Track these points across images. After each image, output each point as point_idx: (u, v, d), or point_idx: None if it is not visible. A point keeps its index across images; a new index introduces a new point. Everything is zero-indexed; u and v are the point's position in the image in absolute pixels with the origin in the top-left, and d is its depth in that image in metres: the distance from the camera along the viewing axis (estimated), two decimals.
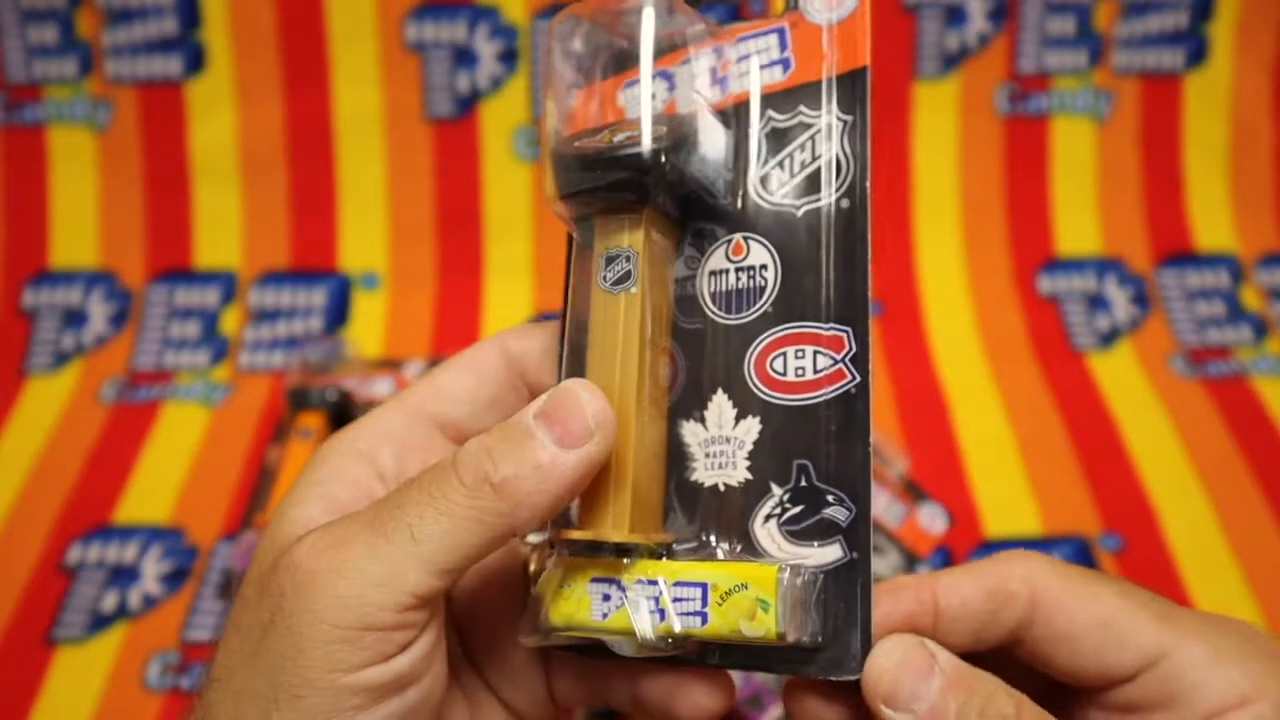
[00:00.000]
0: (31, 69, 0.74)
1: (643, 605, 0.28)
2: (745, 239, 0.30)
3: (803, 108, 0.30)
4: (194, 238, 0.74)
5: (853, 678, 0.27)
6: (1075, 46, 0.75)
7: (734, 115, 0.31)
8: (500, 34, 0.73)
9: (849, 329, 0.28)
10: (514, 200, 0.74)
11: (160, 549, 0.59)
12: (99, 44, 0.73)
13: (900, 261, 0.75)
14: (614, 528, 0.28)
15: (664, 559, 0.28)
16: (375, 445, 0.29)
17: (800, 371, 0.28)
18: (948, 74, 0.75)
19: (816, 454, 0.28)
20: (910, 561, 0.56)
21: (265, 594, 0.26)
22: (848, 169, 0.29)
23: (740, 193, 0.30)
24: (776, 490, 0.28)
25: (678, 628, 0.27)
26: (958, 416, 0.66)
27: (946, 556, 0.57)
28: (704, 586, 0.27)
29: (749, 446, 0.29)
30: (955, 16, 0.74)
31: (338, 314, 0.73)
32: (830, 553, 0.27)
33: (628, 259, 0.29)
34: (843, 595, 0.27)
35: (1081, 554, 0.57)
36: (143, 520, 0.60)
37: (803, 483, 0.28)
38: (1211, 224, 0.76)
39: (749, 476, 0.29)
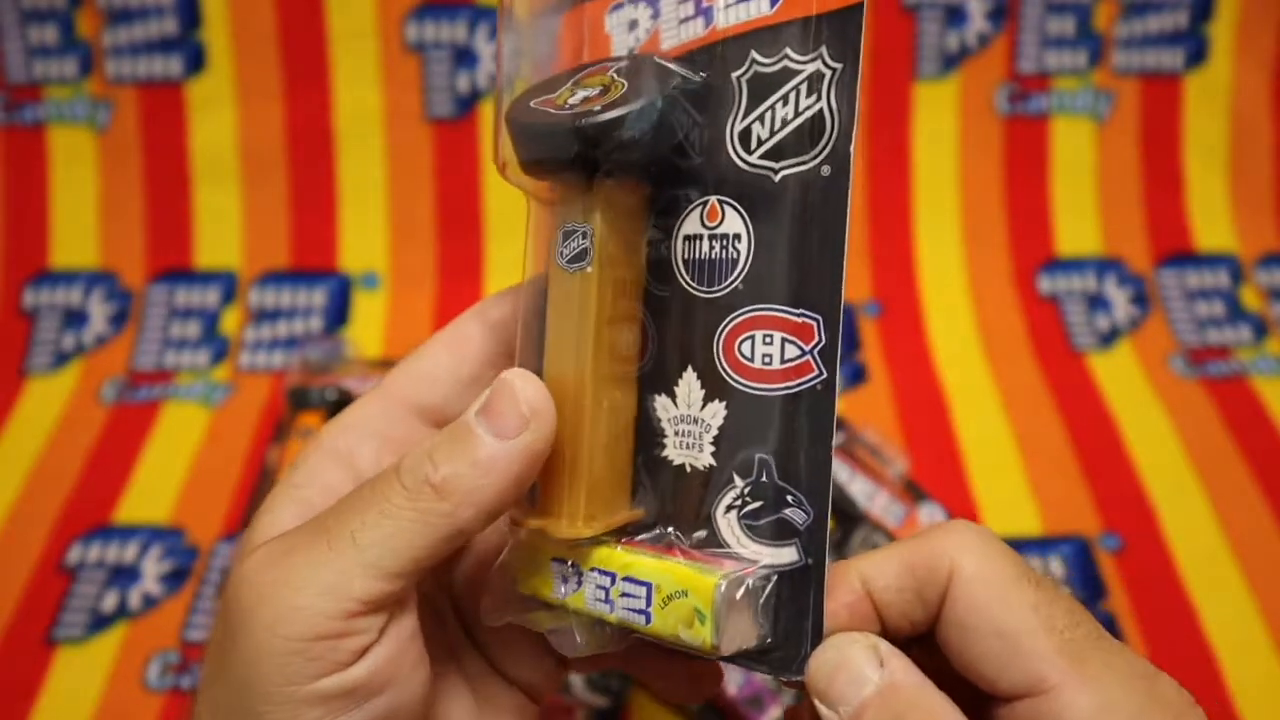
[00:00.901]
0: (32, 69, 0.74)
1: (594, 593, 0.27)
2: (720, 203, 0.27)
3: (789, 50, 0.26)
4: (194, 238, 0.74)
5: (799, 679, 0.26)
6: (1075, 47, 0.75)
7: (718, 55, 0.27)
8: None
9: (819, 318, 0.26)
10: (514, 200, 0.74)
11: (160, 549, 0.59)
12: (99, 44, 0.73)
13: (900, 261, 0.75)
14: (567, 520, 0.27)
15: (621, 542, 0.28)
16: (355, 443, 0.29)
17: (767, 359, 0.26)
18: (948, 74, 0.75)
19: (778, 451, 0.26)
20: None
21: (225, 609, 0.26)
22: (832, 128, 0.25)
23: (718, 149, 0.27)
24: (739, 482, 0.27)
25: (621, 619, 0.27)
26: (958, 416, 0.66)
27: None
28: (649, 586, 0.27)
29: (714, 431, 0.27)
30: (955, 16, 0.74)
31: (338, 314, 0.73)
32: (786, 554, 0.26)
33: (584, 235, 0.27)
34: (795, 599, 0.26)
35: (1081, 554, 0.57)
36: (143, 520, 0.60)
37: (763, 479, 0.27)
38: (1211, 224, 0.76)
39: (713, 463, 0.27)
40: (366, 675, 0.25)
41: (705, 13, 0.27)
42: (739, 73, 0.27)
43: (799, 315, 0.26)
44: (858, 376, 0.69)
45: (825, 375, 0.26)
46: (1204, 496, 0.60)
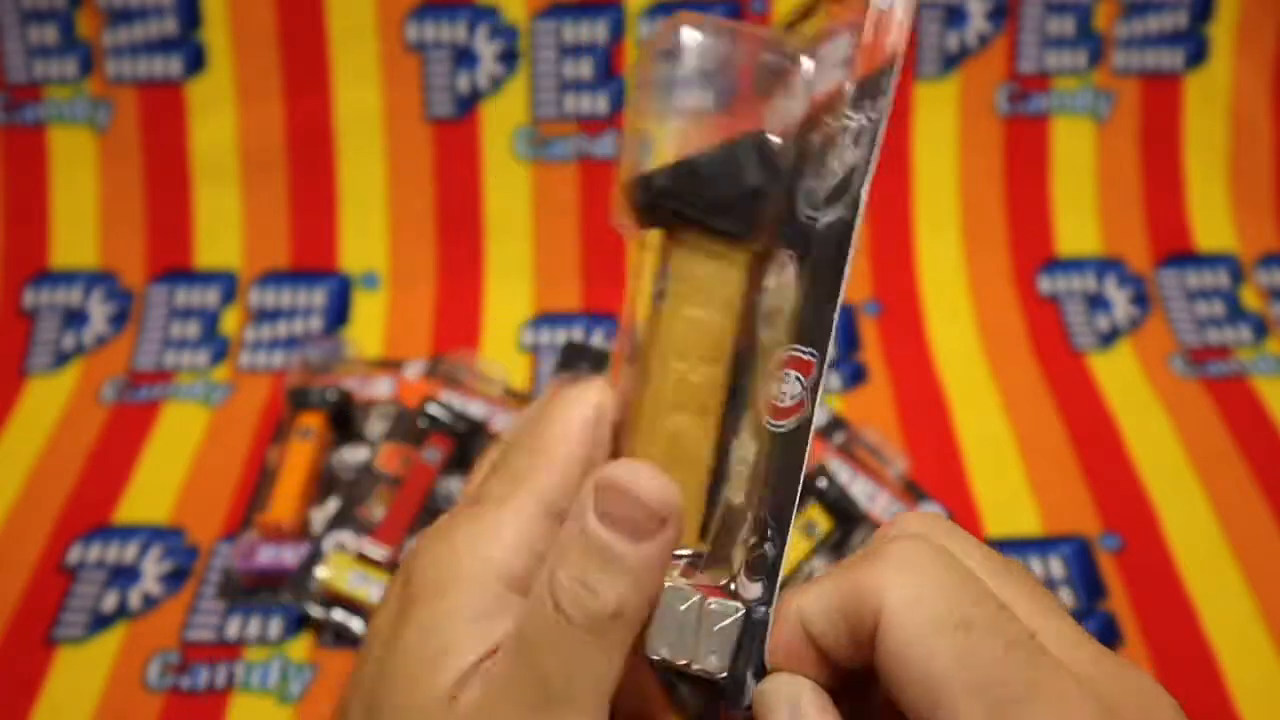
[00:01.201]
0: (32, 69, 0.74)
1: None
2: (788, 257, 0.29)
3: (846, 111, 0.28)
4: (194, 238, 0.74)
5: (745, 713, 0.27)
6: (1075, 47, 0.75)
7: (810, 124, 0.29)
8: (500, 34, 0.73)
9: (817, 355, 0.27)
10: (514, 200, 0.74)
11: (160, 549, 0.59)
12: (99, 44, 0.73)
13: (900, 261, 0.75)
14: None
15: (682, 570, 0.29)
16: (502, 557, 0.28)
17: (781, 397, 0.27)
18: (948, 74, 0.75)
19: (771, 484, 0.27)
20: None
21: (404, 577, 0.26)
22: (857, 177, 0.27)
23: (794, 207, 0.28)
24: (749, 516, 0.28)
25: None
26: (958, 416, 0.66)
27: None
28: None
29: (748, 468, 0.29)
30: (955, 16, 0.74)
31: (338, 314, 0.73)
32: (755, 590, 0.27)
33: (665, 274, 0.29)
34: (752, 633, 0.27)
35: (1081, 554, 0.57)
36: (143, 520, 0.60)
37: (761, 512, 0.27)
38: (1211, 224, 0.76)
39: (742, 499, 0.28)
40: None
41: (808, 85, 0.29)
42: (817, 139, 0.29)
43: (807, 352, 0.27)
44: (858, 376, 0.69)
45: (810, 413, 0.27)
46: (1204, 496, 0.60)
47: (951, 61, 0.75)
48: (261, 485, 0.61)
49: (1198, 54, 0.76)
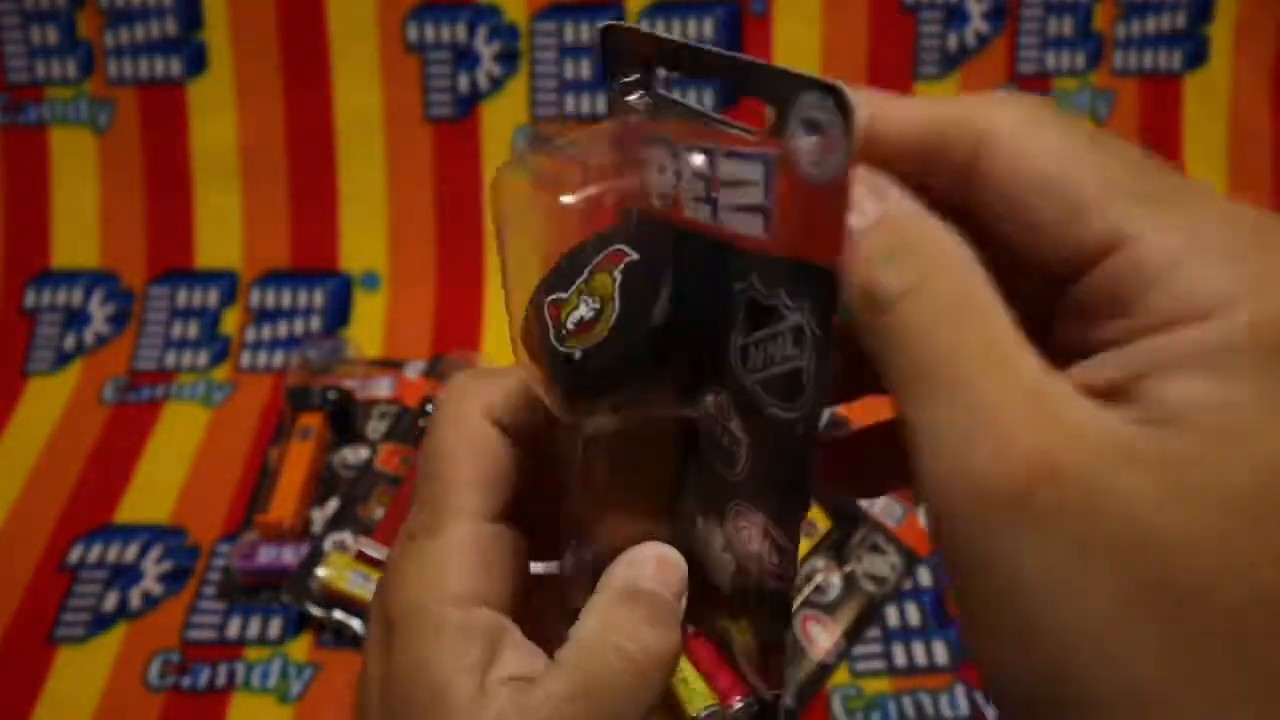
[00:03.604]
0: (33, 69, 0.74)
1: None
2: (729, 403, 0.26)
3: (782, 292, 0.24)
4: (194, 238, 0.75)
5: None
6: (1075, 47, 0.75)
7: (724, 253, 0.24)
8: (500, 34, 0.73)
9: (790, 545, 0.27)
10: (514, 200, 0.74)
11: (161, 549, 0.59)
12: (100, 44, 0.73)
13: None
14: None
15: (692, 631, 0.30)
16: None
17: (760, 555, 0.28)
18: (948, 74, 0.75)
19: (762, 623, 0.29)
20: (910, 562, 0.56)
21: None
22: (806, 391, 0.24)
23: (725, 352, 0.26)
24: (751, 633, 0.29)
25: None
26: None
27: None
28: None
29: (729, 573, 0.29)
30: (955, 16, 0.74)
31: (338, 314, 0.73)
32: (769, 693, 0.29)
33: (580, 439, 0.28)
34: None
35: None
36: (143, 520, 0.60)
37: (759, 632, 0.29)
38: None
39: (729, 593, 0.29)
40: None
41: (712, 202, 0.24)
42: (740, 286, 0.25)
43: (777, 536, 0.27)
44: None
45: (790, 592, 0.27)
46: None
47: (952, 61, 0.75)
48: (261, 485, 0.61)
49: (1197, 54, 0.76)
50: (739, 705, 0.29)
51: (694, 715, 0.29)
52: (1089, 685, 0.19)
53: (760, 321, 0.24)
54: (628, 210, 0.26)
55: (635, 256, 0.25)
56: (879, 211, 0.21)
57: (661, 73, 0.28)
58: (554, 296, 0.26)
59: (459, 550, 0.28)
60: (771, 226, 0.22)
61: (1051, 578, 0.18)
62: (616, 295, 0.25)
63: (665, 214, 0.24)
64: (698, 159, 0.23)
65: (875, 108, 0.22)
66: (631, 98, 0.27)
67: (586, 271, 0.26)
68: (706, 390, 0.27)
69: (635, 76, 0.27)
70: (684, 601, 0.29)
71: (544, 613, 0.30)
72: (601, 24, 0.27)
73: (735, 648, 0.29)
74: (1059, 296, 0.21)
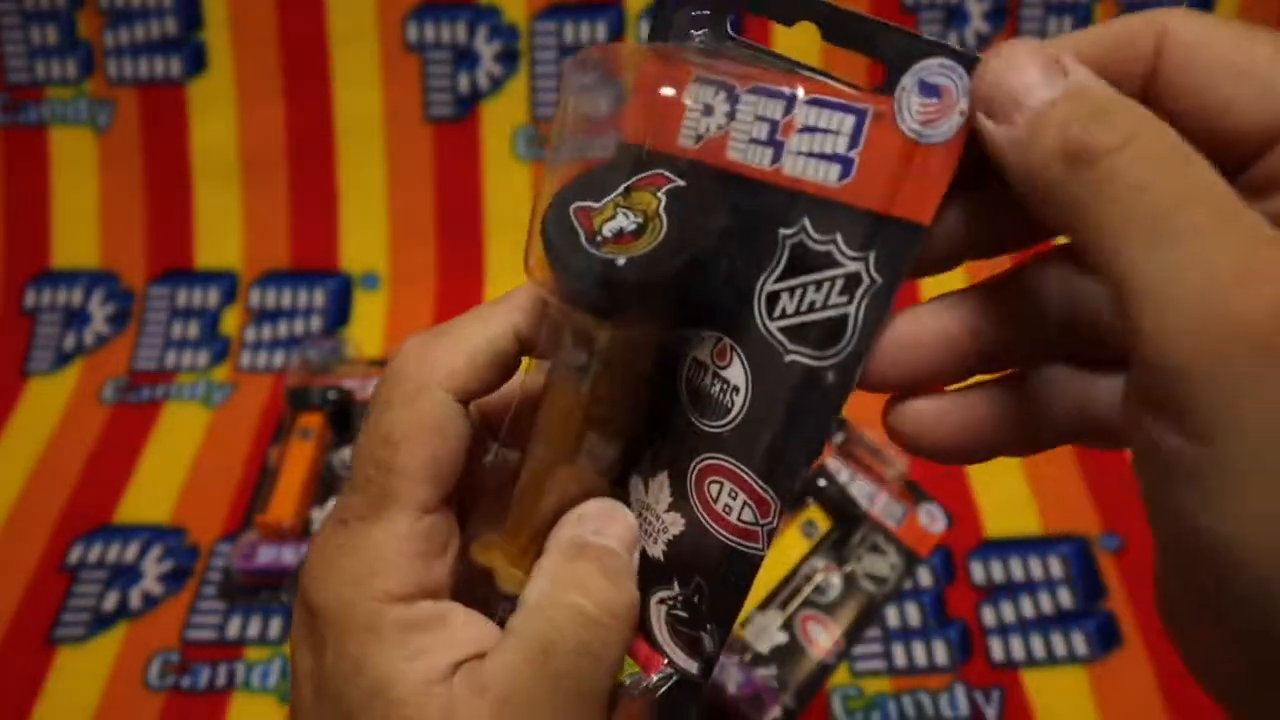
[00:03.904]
0: (33, 69, 0.74)
1: None
2: (731, 349, 0.26)
3: (839, 237, 0.24)
4: (194, 238, 0.75)
5: None
6: None
7: (775, 199, 0.25)
8: (500, 34, 0.73)
9: (779, 501, 0.26)
10: (514, 200, 0.74)
11: (161, 549, 0.59)
12: (100, 44, 0.73)
13: None
14: (512, 560, 0.29)
15: None
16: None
17: (727, 510, 0.27)
18: None
19: (713, 585, 0.28)
20: (910, 562, 0.56)
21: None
22: (849, 338, 0.24)
23: (745, 296, 0.26)
24: (677, 587, 0.28)
25: None
26: None
27: (946, 556, 0.57)
28: None
29: (670, 534, 0.29)
30: (955, 16, 0.74)
31: (338, 314, 0.73)
32: (689, 666, 0.28)
33: (589, 351, 0.27)
34: (678, 705, 0.28)
35: (1081, 554, 0.57)
36: (143, 520, 0.60)
37: (695, 599, 0.28)
38: None
39: (660, 559, 0.29)
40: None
41: (776, 145, 0.24)
42: (787, 233, 0.25)
43: (764, 489, 0.26)
44: None
45: (763, 553, 0.27)
46: None
47: None
48: (261, 485, 0.61)
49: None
50: (656, 676, 0.29)
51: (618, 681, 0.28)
52: None
53: (802, 267, 0.25)
54: (625, 145, 0.27)
55: (681, 183, 0.25)
56: (1065, 83, 0.21)
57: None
58: (582, 204, 0.26)
59: (398, 542, 0.27)
60: (851, 176, 0.23)
61: None
62: (663, 214, 0.25)
63: (695, 152, 0.25)
64: (768, 102, 0.24)
65: (1058, 42, 0.23)
66: (695, 35, 0.27)
67: (623, 187, 0.26)
68: (702, 335, 0.27)
69: (702, 13, 0.27)
70: (636, 556, 0.28)
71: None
72: None
73: (652, 615, 0.29)
74: (1237, 177, 0.22)
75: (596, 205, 0.26)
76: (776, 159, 0.24)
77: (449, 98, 0.74)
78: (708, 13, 0.27)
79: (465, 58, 0.73)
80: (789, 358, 0.25)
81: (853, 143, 0.23)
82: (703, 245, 0.25)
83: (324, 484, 0.60)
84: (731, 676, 0.49)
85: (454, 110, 0.74)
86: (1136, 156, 0.20)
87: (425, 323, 0.72)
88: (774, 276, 0.25)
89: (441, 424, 0.27)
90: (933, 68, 0.23)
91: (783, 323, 0.25)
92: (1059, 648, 0.53)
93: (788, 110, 0.24)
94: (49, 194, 0.75)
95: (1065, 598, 0.55)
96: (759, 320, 0.25)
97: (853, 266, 0.24)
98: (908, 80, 0.23)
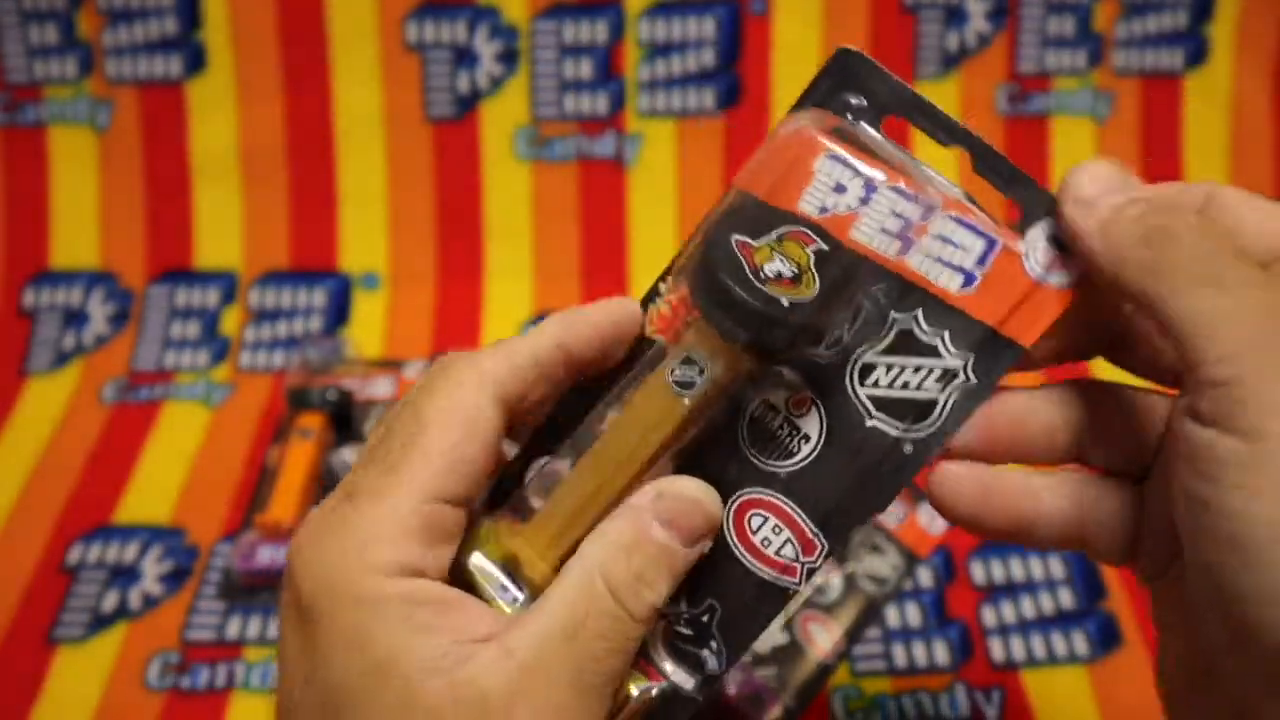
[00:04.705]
0: (32, 69, 0.74)
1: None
2: (813, 401, 0.29)
3: (946, 335, 0.28)
4: (194, 238, 0.74)
5: None
6: (1075, 47, 0.75)
7: (893, 285, 0.29)
8: (500, 34, 0.73)
9: (827, 547, 0.29)
10: (514, 200, 0.74)
11: (160, 549, 0.59)
12: (99, 44, 0.73)
13: None
14: (541, 559, 0.29)
15: None
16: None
17: (766, 543, 0.29)
18: (948, 74, 0.75)
19: (729, 609, 0.29)
20: (910, 562, 0.56)
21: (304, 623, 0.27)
22: (935, 420, 0.28)
23: (843, 359, 0.29)
24: (684, 606, 0.29)
25: None
26: None
27: (946, 556, 0.57)
28: None
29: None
30: (955, 16, 0.74)
31: (338, 314, 0.73)
32: (685, 682, 0.29)
33: (700, 373, 0.28)
34: (669, 715, 0.29)
35: (1082, 554, 0.57)
36: (143, 520, 0.60)
37: (704, 618, 0.29)
38: None
39: None
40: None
41: (905, 241, 0.28)
42: (898, 315, 0.29)
43: (815, 534, 0.28)
44: None
45: (798, 588, 0.29)
46: None
47: (951, 61, 0.75)
48: (261, 485, 0.61)
49: (1198, 54, 0.76)
50: (657, 688, 0.29)
51: (628, 693, 0.29)
52: None
53: (905, 349, 0.28)
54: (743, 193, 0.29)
55: (824, 246, 0.28)
56: (1135, 194, 0.27)
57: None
58: (740, 237, 0.28)
59: (400, 518, 0.26)
60: (972, 289, 0.28)
61: None
62: (814, 270, 0.27)
63: (818, 220, 0.28)
64: (907, 203, 0.28)
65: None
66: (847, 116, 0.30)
67: (775, 234, 0.28)
68: (784, 379, 0.29)
69: (855, 101, 0.30)
70: (700, 549, 0.28)
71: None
72: (841, 48, 0.30)
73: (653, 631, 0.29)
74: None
75: (755, 244, 0.28)
76: (903, 252, 0.28)
77: (449, 98, 0.74)
78: (864, 104, 0.30)
79: (465, 58, 0.73)
80: (870, 423, 0.28)
81: (979, 262, 0.28)
82: (843, 309, 0.28)
83: (324, 484, 0.60)
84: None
85: (454, 110, 0.74)
86: (1199, 234, 0.25)
87: (425, 323, 0.72)
88: (875, 349, 0.29)
89: (475, 417, 0.27)
90: (1060, 226, 0.28)
91: (873, 392, 0.28)
92: (1059, 648, 0.53)
93: (925, 216, 0.28)
94: (48, 194, 0.74)
95: (1065, 598, 0.55)
96: (849, 384, 0.29)
97: (953, 362, 0.28)
98: (1040, 230, 0.28)
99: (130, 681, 0.53)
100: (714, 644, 0.29)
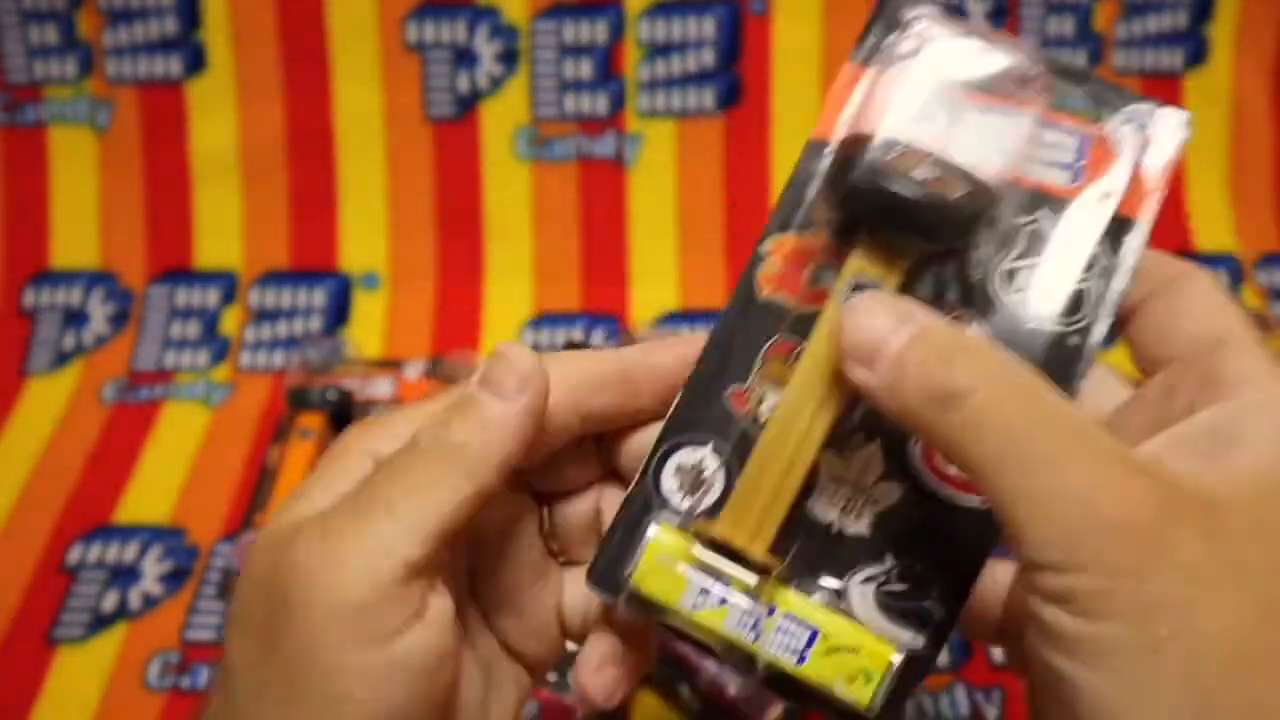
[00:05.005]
0: (32, 69, 0.74)
1: (739, 619, 0.28)
2: (973, 319, 0.29)
3: (1071, 228, 0.29)
4: (194, 238, 0.74)
5: None
6: (1075, 46, 0.75)
7: (1009, 192, 0.30)
8: (500, 34, 0.73)
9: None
10: (514, 200, 0.74)
11: (160, 549, 0.59)
12: (99, 44, 0.73)
13: None
14: (754, 542, 0.28)
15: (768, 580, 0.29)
16: (383, 444, 0.29)
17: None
18: None
19: (942, 549, 0.28)
20: None
21: (270, 591, 0.27)
22: (1089, 308, 0.29)
23: (984, 272, 0.29)
24: (889, 560, 0.28)
25: (768, 655, 0.28)
26: None
27: None
28: (814, 632, 0.28)
29: (879, 507, 0.29)
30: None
31: (338, 314, 0.73)
32: (911, 640, 0.28)
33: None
34: (906, 680, 0.28)
35: None
36: (143, 520, 0.60)
37: (917, 567, 0.28)
38: (1211, 224, 0.76)
39: (867, 534, 0.29)
40: (411, 647, 0.26)
41: (1008, 153, 0.29)
42: (1021, 220, 0.29)
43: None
44: None
45: None
46: None
47: None
48: (261, 485, 0.61)
49: (1198, 54, 0.76)
50: (893, 661, 0.28)
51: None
52: None
53: (1039, 249, 0.29)
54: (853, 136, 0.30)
55: (940, 158, 0.29)
56: (913, 327, 0.25)
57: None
58: (892, 139, 0.28)
59: (420, 540, 0.26)
60: (1078, 183, 0.29)
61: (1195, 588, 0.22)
62: (961, 179, 0.28)
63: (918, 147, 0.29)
64: (1001, 118, 0.30)
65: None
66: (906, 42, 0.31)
67: (900, 149, 0.28)
68: (942, 304, 0.29)
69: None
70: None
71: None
72: None
73: (854, 599, 0.29)
74: None
75: (899, 145, 0.28)
76: (1007, 163, 0.29)
77: (449, 97, 0.74)
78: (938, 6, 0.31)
79: (465, 58, 0.73)
80: (1029, 325, 0.29)
81: (1079, 156, 0.30)
82: (987, 210, 0.29)
83: None
84: (732, 677, 0.49)
85: (454, 110, 0.74)
86: (990, 397, 0.24)
87: (425, 323, 0.72)
88: (1011, 256, 0.29)
89: (545, 417, 0.28)
90: (1142, 110, 0.30)
91: (1021, 295, 0.29)
92: None
93: (1016, 126, 0.30)
94: (48, 194, 0.74)
95: None
96: (998, 293, 0.29)
97: (1086, 251, 0.29)
98: (1120, 118, 0.30)
99: (130, 681, 0.53)
100: (935, 592, 0.28)
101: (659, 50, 0.73)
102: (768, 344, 0.29)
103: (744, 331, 0.30)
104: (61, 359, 0.71)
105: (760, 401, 0.29)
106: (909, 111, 0.29)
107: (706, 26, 0.73)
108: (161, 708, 0.52)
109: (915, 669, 0.28)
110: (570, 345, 0.63)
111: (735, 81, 0.73)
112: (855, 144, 0.29)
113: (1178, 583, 0.22)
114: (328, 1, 0.73)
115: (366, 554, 0.26)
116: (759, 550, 0.28)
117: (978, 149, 0.29)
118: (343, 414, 0.63)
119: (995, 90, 0.30)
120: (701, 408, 0.29)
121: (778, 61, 0.73)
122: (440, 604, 0.27)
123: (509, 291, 0.74)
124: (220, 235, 0.74)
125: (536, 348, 0.70)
